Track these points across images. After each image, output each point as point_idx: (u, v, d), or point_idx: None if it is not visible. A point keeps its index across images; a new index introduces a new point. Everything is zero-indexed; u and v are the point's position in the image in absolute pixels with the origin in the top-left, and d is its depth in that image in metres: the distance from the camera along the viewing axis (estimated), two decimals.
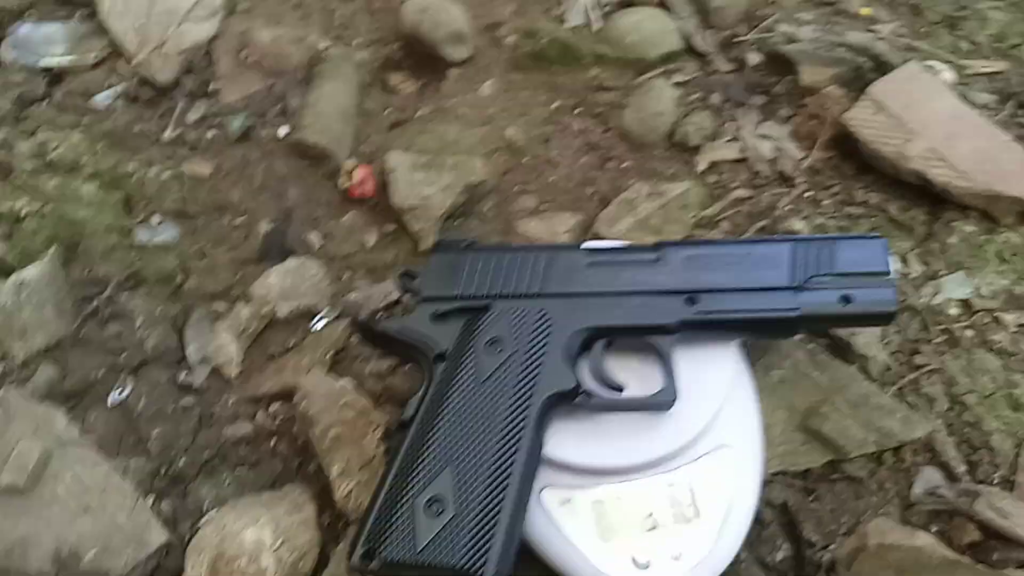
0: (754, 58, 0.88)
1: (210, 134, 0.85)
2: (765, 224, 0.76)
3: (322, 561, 0.60)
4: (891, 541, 0.57)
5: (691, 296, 0.59)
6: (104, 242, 0.76)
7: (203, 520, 0.62)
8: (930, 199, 0.77)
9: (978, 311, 0.71)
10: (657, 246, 0.61)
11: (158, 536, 0.61)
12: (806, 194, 0.79)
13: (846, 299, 0.58)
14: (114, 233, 0.77)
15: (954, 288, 0.72)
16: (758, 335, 0.62)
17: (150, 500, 0.64)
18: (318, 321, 0.73)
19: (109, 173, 0.80)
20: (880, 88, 0.80)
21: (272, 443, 0.68)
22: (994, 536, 0.59)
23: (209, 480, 0.65)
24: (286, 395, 0.68)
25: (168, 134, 0.84)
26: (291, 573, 0.58)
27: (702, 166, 0.82)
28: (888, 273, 0.59)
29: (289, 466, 0.66)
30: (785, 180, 0.81)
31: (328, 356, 0.71)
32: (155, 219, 0.79)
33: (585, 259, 0.61)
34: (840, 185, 0.80)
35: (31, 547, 0.59)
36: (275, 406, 0.69)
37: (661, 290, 0.59)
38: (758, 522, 0.61)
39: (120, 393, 0.69)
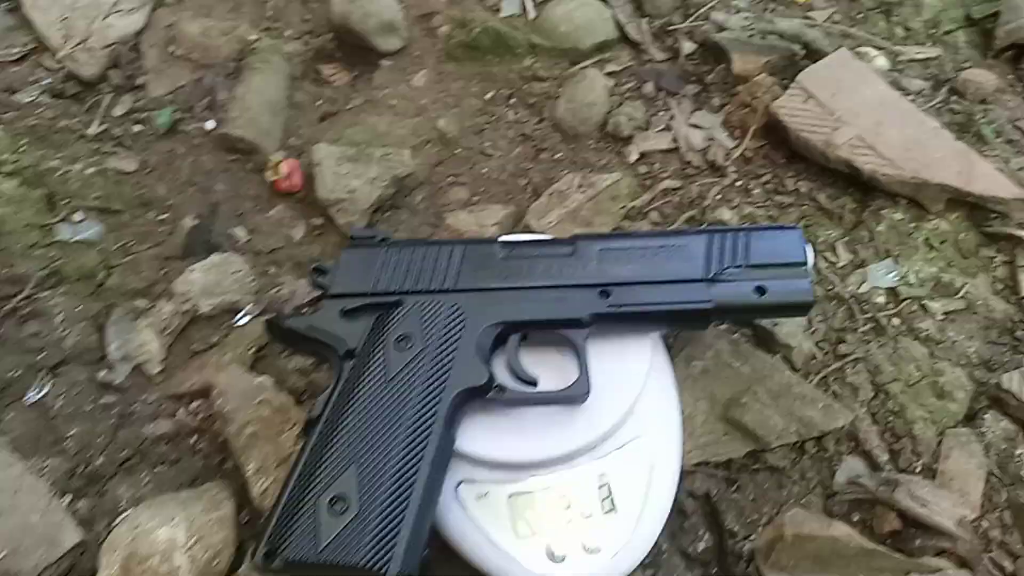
0: (688, 46, 0.88)
1: (136, 129, 0.83)
2: (694, 214, 0.76)
3: (238, 559, 0.59)
4: (808, 531, 0.57)
5: (604, 289, 0.58)
6: (24, 239, 0.74)
7: (118, 519, 0.61)
8: (859, 187, 0.77)
9: (905, 299, 0.71)
10: (572, 239, 0.61)
11: (72, 536, 0.60)
12: (736, 183, 0.79)
13: (761, 290, 0.58)
14: (35, 230, 0.75)
15: (881, 276, 0.72)
16: (673, 327, 0.62)
17: (66, 500, 0.63)
18: (241, 317, 0.72)
19: (31, 169, 0.78)
20: (809, 76, 0.80)
21: (193, 441, 0.67)
22: (914, 524, 0.60)
23: (128, 479, 0.64)
24: (207, 392, 0.67)
25: (93, 129, 0.83)
26: (205, 572, 0.57)
27: (633, 156, 0.81)
28: (804, 263, 0.59)
29: (209, 464, 0.65)
30: (716, 170, 0.80)
31: (251, 353, 0.70)
32: (77, 216, 0.77)
33: (500, 253, 0.60)
34: (770, 174, 0.80)
35: None
36: (196, 403, 0.68)
37: (575, 284, 0.58)
38: (680, 512, 0.61)
39: (38, 392, 0.68)
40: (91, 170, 0.80)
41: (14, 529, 0.60)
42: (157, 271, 0.74)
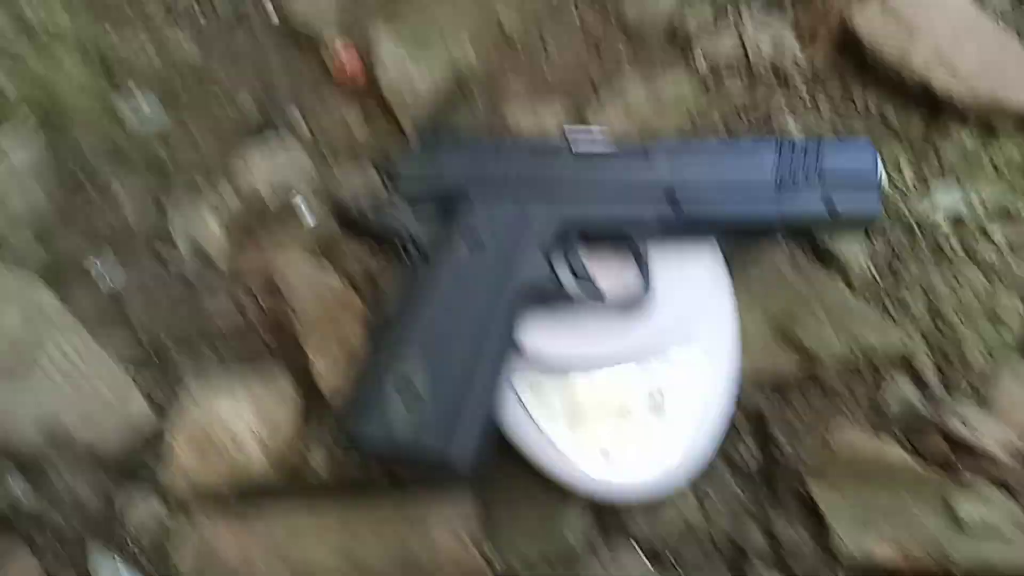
0: None
1: (200, 13, 0.82)
2: (757, 119, 0.74)
3: (299, 438, 0.62)
4: (857, 449, 0.59)
5: (671, 192, 0.58)
6: (86, 116, 0.74)
7: (184, 396, 0.63)
8: (930, 105, 0.75)
9: (967, 223, 0.70)
10: (642, 143, 0.60)
11: (140, 408, 0.62)
12: (803, 92, 0.77)
13: (829, 202, 0.58)
14: (96, 107, 0.75)
15: (945, 198, 0.71)
16: (739, 235, 0.61)
17: (132, 373, 0.65)
18: (300, 201, 0.72)
19: (92, 43, 0.77)
20: None
21: (255, 323, 0.68)
22: (961, 448, 0.61)
23: (191, 354, 0.66)
24: (269, 276, 0.68)
25: (156, 9, 0.81)
26: (269, 446, 0.59)
27: (699, 59, 0.79)
28: (875, 177, 0.58)
29: (270, 344, 0.67)
30: (782, 77, 0.78)
31: (312, 237, 0.70)
32: (137, 92, 0.77)
33: (568, 153, 0.60)
34: (838, 85, 0.77)
35: (17, 419, 0.61)
36: (258, 288, 0.69)
37: (642, 185, 0.58)
38: (736, 430, 0.63)
39: (105, 269, 0.69)
40: (151, 46, 0.79)
41: (87, 400, 0.62)
42: (218, 154, 0.74)
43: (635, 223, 0.58)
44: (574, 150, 0.60)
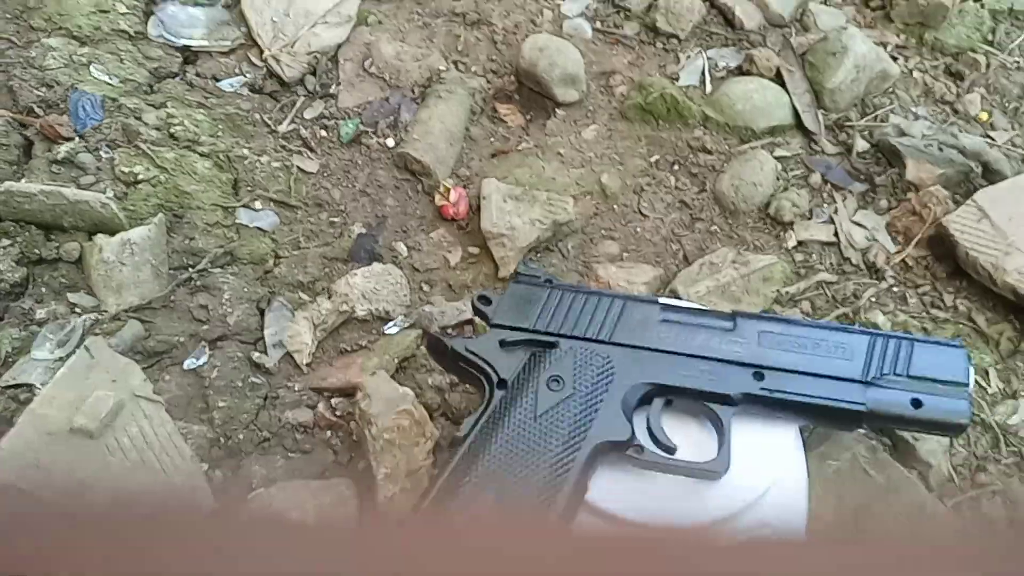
0: (862, 144, 0.88)
1: (322, 134, 0.88)
2: (846, 312, 0.76)
3: None
4: None
5: (759, 371, 0.59)
6: (208, 217, 0.80)
7: (251, 495, 0.64)
8: (1021, 316, 0.76)
9: None
10: (733, 315, 0.62)
11: (207, 502, 0.64)
12: (893, 289, 0.78)
13: (917, 403, 0.58)
14: (218, 210, 0.81)
15: None
16: (821, 423, 0.61)
17: (204, 467, 0.67)
18: (392, 326, 0.75)
19: (224, 154, 0.84)
20: (987, 195, 0.79)
21: (328, 435, 0.70)
22: None
23: (263, 458, 0.68)
24: (349, 391, 0.71)
25: (284, 127, 0.88)
26: None
27: (791, 243, 0.81)
28: (966, 384, 0.58)
29: (340, 460, 0.68)
30: (874, 271, 0.80)
31: (395, 361, 0.73)
32: (258, 204, 0.82)
33: (659, 314, 0.61)
34: (930, 286, 0.79)
35: (89, 490, 0.63)
36: (337, 400, 0.71)
37: (730, 360, 0.59)
38: None
39: (196, 360, 0.72)
40: (276, 164, 0.85)
41: (158, 484, 0.64)
42: (321, 269, 0.79)
43: (719, 396, 0.59)
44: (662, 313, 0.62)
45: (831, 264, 0.80)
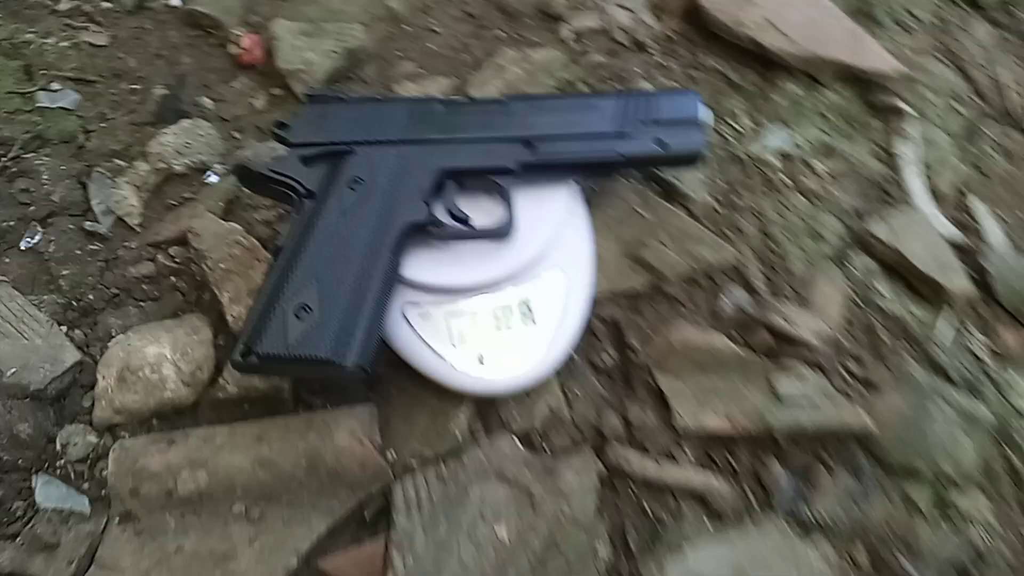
0: None
1: (106, 5, 0.89)
2: (619, 88, 0.85)
3: (218, 373, 0.70)
4: (692, 342, 0.69)
5: (529, 142, 0.68)
6: (6, 106, 0.81)
7: (112, 342, 0.71)
8: (763, 63, 0.87)
9: (794, 159, 0.82)
10: (504, 100, 0.70)
11: (72, 355, 0.70)
12: (659, 60, 0.88)
13: (661, 143, 0.68)
14: (15, 97, 0.82)
15: (775, 139, 0.83)
16: (588, 175, 0.72)
17: (64, 329, 0.72)
18: (210, 176, 0.81)
19: (7, 41, 0.84)
20: None
21: (173, 280, 0.76)
22: (782, 339, 0.72)
23: (116, 312, 0.74)
24: (184, 239, 0.77)
25: (64, 5, 0.88)
26: (189, 380, 0.68)
27: (566, 33, 0.90)
28: (698, 119, 0.69)
29: (188, 299, 0.75)
30: (640, 48, 0.89)
31: (221, 205, 0.79)
32: (55, 85, 0.84)
33: (441, 109, 0.69)
34: (688, 52, 0.89)
35: None
36: (175, 249, 0.77)
37: (504, 137, 0.68)
38: (591, 334, 0.73)
39: (32, 239, 0.76)
40: (64, 43, 0.86)
41: (21, 350, 0.70)
42: (132, 135, 0.82)
43: (498, 169, 0.68)
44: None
45: (602, 47, 0.89)
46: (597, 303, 0.73)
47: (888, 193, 0.81)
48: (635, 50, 0.89)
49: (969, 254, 0.78)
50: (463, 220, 0.67)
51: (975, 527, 0.67)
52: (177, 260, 0.77)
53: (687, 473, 0.67)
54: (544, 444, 0.67)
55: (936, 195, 0.81)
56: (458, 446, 0.66)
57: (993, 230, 0.80)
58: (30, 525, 0.63)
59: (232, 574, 0.61)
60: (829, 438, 0.68)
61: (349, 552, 0.63)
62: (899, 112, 0.84)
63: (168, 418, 0.67)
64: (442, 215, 0.68)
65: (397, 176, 0.67)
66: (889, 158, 0.83)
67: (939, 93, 0.87)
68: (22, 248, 0.76)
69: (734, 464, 0.68)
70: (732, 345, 0.70)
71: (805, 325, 0.72)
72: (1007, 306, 0.76)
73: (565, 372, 0.71)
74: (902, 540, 0.66)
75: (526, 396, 0.69)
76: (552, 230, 0.69)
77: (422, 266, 0.67)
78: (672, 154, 0.69)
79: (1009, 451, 0.70)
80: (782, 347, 0.71)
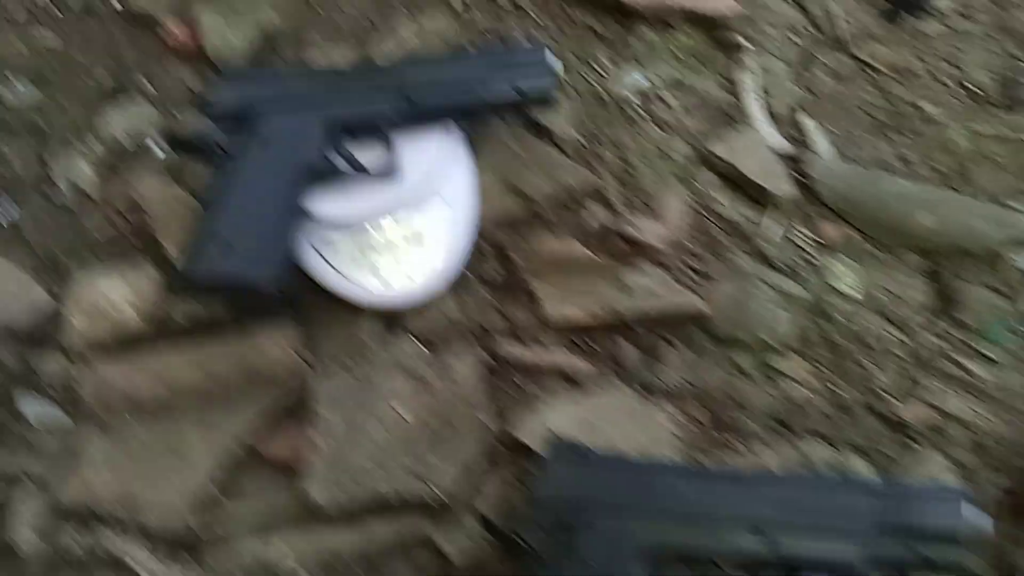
0: None
1: (57, 11, 1.03)
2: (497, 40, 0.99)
3: (168, 307, 0.84)
4: (557, 252, 0.84)
5: (405, 94, 0.82)
6: None
7: (77, 286, 0.85)
8: (623, 13, 1.00)
9: (649, 95, 0.96)
10: (384, 63, 0.84)
11: (40, 296, 0.84)
12: (535, 20, 1.01)
13: (520, 91, 0.83)
14: None
15: (633, 79, 0.97)
16: (461, 120, 0.85)
17: (32, 276, 0.87)
18: (154, 148, 0.95)
19: None
20: None
21: (128, 238, 0.90)
22: (634, 244, 0.86)
23: (78, 260, 0.88)
24: (135, 204, 0.91)
25: (21, 16, 1.02)
26: (144, 314, 0.82)
27: (455, 2, 1.03)
28: (547, 65, 0.83)
29: (141, 251, 0.89)
30: (519, 9, 1.03)
31: (164, 173, 0.93)
32: (15, 80, 0.98)
33: (332, 74, 0.84)
34: (561, 11, 1.02)
35: None
36: (128, 212, 0.91)
37: (383, 88, 0.82)
38: (480, 253, 0.87)
39: (3, 210, 0.91)
40: (23, 46, 1.00)
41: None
42: (84, 116, 0.96)
43: (381, 118, 0.82)
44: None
45: (487, 11, 1.02)
46: (484, 228, 0.87)
47: (731, 117, 0.95)
48: (515, 12, 1.03)
49: (798, 163, 0.92)
50: (354, 163, 0.82)
51: (793, 385, 0.82)
52: (131, 221, 0.91)
53: (555, 356, 0.82)
54: (441, 345, 0.82)
55: (773, 116, 0.95)
56: (366, 348, 0.81)
57: (821, 142, 0.94)
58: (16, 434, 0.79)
59: (183, 457, 0.77)
60: (671, 320, 0.83)
61: (277, 436, 0.78)
62: (739, 47, 0.98)
63: (129, 345, 0.82)
64: (337, 160, 0.82)
65: (297, 132, 0.81)
66: (732, 87, 0.97)
67: (777, 27, 1.01)
68: (3, 225, 0.91)
69: (596, 348, 0.83)
70: (588, 252, 0.84)
71: (652, 232, 0.86)
72: (830, 204, 0.90)
73: (459, 285, 0.85)
74: (733, 399, 0.82)
75: (424, 307, 0.84)
76: (436, 168, 0.83)
77: (328, 204, 0.82)
78: (528, 97, 0.83)
79: (824, 322, 0.85)
80: (633, 251, 0.86)
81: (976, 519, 0.64)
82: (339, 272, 0.81)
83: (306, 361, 0.80)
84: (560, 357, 0.82)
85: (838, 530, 0.64)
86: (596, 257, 0.84)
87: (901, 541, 0.63)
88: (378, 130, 0.83)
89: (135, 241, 0.90)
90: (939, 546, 0.63)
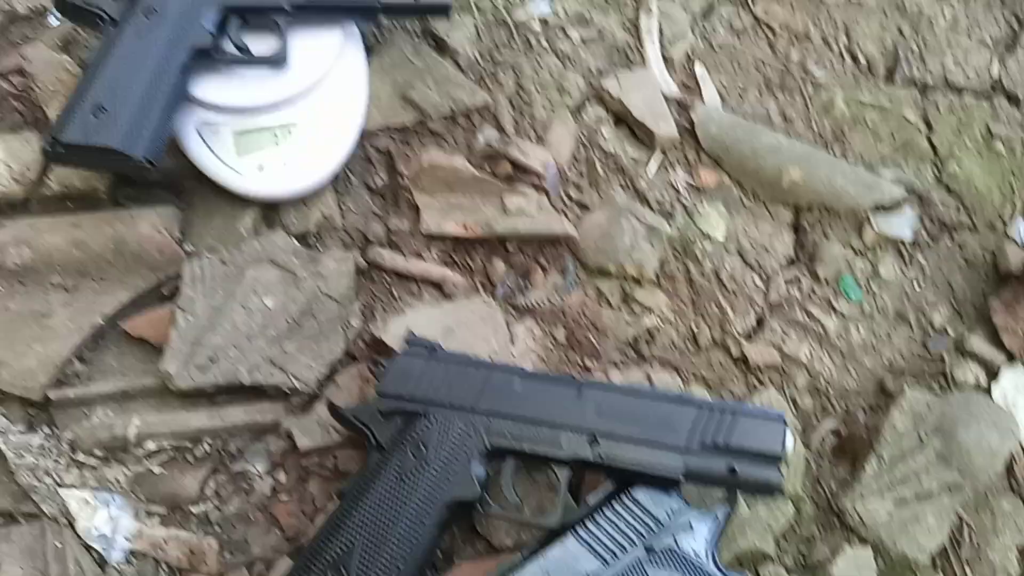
0: None
1: None
2: None
3: (44, 174, 0.84)
4: (438, 163, 0.86)
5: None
6: None
7: None
8: None
9: (552, 26, 0.98)
10: None
11: None
12: None
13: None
14: None
15: (538, 8, 0.98)
16: (353, 18, 0.86)
17: None
18: (51, 17, 0.93)
19: None
20: None
21: (12, 103, 0.89)
22: (520, 169, 0.89)
23: None
24: (22, 70, 0.89)
25: None
26: (19, 179, 0.82)
27: None
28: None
29: (25, 119, 0.88)
30: None
31: (57, 42, 0.91)
32: None
33: None
34: None
35: None
36: (14, 77, 0.90)
37: None
38: (367, 160, 0.89)
39: None
40: None
41: None
42: None
43: (274, 7, 0.82)
44: None
45: None
46: (373, 134, 0.88)
47: (629, 58, 0.98)
48: None
49: (685, 109, 0.96)
50: (243, 49, 0.82)
51: (650, 315, 0.87)
52: (17, 87, 0.90)
53: (429, 267, 0.85)
54: (317, 244, 0.84)
55: (668, 61, 0.98)
56: (241, 238, 0.82)
57: (710, 91, 0.98)
58: None
59: (48, 328, 0.77)
60: (546, 245, 0.87)
61: (143, 315, 0.80)
62: None
63: (1, 210, 0.82)
64: (228, 46, 0.82)
65: (188, 6, 0.81)
66: (634, 29, 0.99)
67: None
68: None
69: (469, 262, 0.86)
70: (471, 168, 0.87)
71: (537, 158, 0.89)
72: (708, 151, 0.94)
73: (343, 190, 0.87)
74: (592, 323, 0.86)
75: (303, 204, 0.85)
76: (326, 65, 0.84)
77: (214, 88, 0.82)
78: (421, 5, 0.85)
79: (689, 261, 0.90)
80: (517, 174, 0.89)
81: (791, 443, 0.67)
82: (219, 158, 0.82)
83: (184, 249, 0.81)
84: (433, 268, 0.85)
85: (664, 443, 0.68)
86: (480, 175, 0.87)
87: (722, 457, 0.67)
88: (272, 20, 0.83)
89: (20, 108, 0.89)
90: (756, 465, 0.67)
